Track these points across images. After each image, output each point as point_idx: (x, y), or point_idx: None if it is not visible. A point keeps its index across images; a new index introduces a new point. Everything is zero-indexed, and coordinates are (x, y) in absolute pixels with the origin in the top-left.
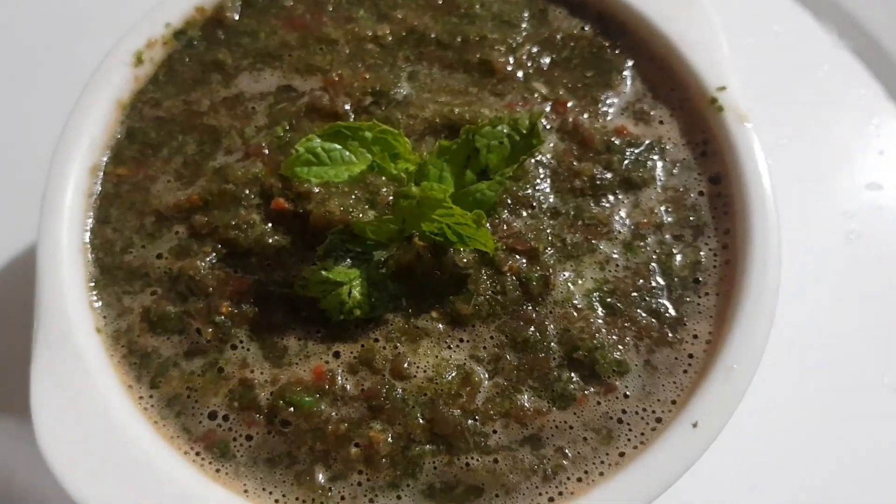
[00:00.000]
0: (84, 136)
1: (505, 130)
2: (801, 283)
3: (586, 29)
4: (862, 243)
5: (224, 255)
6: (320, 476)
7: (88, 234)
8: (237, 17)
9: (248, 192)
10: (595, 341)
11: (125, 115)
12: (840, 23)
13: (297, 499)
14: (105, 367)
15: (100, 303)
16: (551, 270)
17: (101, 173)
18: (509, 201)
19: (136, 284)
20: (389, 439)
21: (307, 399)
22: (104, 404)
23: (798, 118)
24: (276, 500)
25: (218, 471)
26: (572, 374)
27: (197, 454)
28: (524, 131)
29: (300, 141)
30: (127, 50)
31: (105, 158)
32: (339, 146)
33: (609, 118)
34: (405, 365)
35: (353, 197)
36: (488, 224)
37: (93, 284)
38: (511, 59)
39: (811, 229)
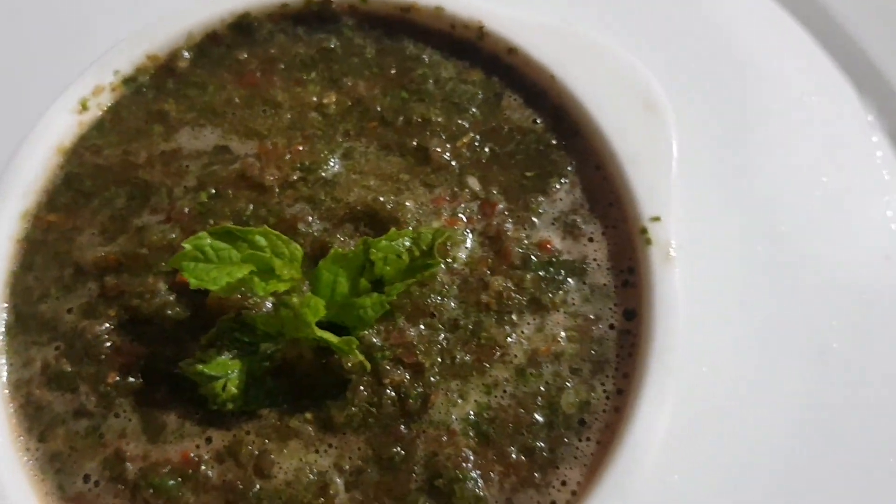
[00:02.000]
0: (19, 183)
1: (406, 244)
2: None
3: (538, 122)
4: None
5: (125, 321)
6: None
7: (11, 279)
8: (189, 66)
9: (159, 258)
10: (458, 472)
11: (66, 159)
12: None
13: None
14: (2, 417)
15: (8, 350)
16: (433, 389)
17: (33, 218)
18: (409, 308)
19: (44, 336)
20: None
21: (170, 483)
22: None
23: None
24: None
25: None
26: (429, 502)
27: None
28: (424, 248)
29: (190, 238)
30: (73, 97)
31: (39, 202)
32: (227, 245)
33: (536, 227)
34: (268, 463)
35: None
36: (381, 328)
37: (4, 331)
38: (449, 147)
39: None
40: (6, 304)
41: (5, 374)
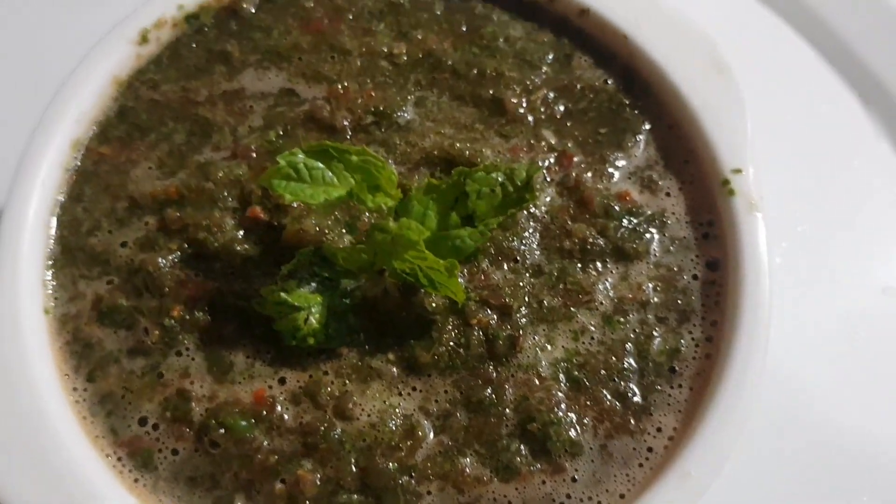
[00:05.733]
0: (72, 107)
1: (500, 179)
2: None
3: (609, 83)
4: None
5: (189, 255)
6: None
7: (58, 209)
8: (253, 10)
9: (226, 194)
10: (552, 415)
11: (120, 92)
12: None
13: None
14: (45, 352)
15: (54, 283)
16: (521, 332)
17: (84, 149)
18: (492, 251)
19: (94, 270)
20: (318, 481)
21: (242, 423)
22: (34, 391)
23: (822, 209)
24: None
25: (136, 480)
26: (522, 447)
27: (118, 459)
28: (519, 183)
29: (283, 154)
30: (134, 27)
31: (90, 134)
32: (322, 165)
33: (614, 180)
34: (350, 405)
35: (332, 219)
36: (465, 271)
37: (51, 262)
38: (524, 101)
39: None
40: (54, 235)
41: (52, 308)
